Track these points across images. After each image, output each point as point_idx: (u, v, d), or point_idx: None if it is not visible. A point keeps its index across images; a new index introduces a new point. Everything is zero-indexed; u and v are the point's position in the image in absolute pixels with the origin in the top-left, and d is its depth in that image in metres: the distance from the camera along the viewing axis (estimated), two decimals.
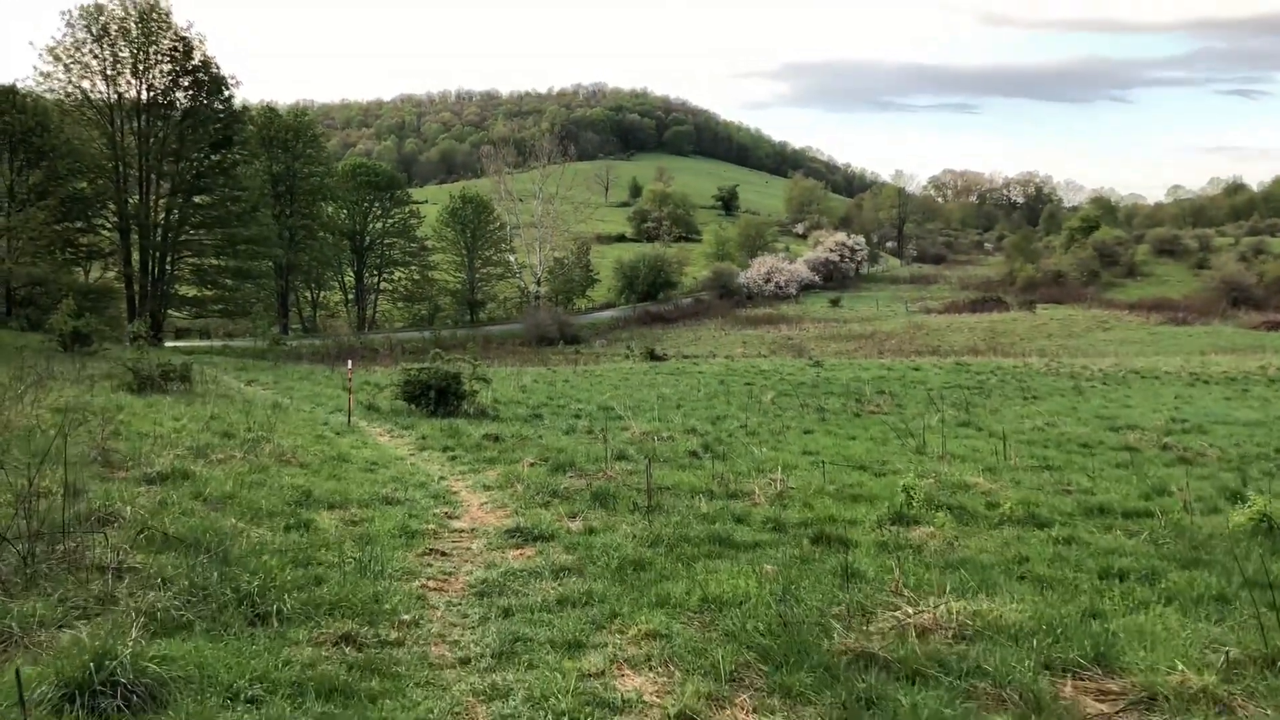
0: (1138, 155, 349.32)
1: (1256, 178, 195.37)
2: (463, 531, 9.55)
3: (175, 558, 6.92)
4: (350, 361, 22.08)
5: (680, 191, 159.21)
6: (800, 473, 13.01)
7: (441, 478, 12.99)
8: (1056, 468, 13.98)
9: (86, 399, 17.00)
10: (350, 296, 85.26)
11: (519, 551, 8.68)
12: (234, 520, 8.52)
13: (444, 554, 8.57)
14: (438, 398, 20.93)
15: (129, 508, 8.16)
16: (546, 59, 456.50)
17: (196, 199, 53.12)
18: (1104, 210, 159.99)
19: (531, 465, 13.52)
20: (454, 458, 14.71)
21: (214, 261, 55.37)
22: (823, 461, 14.35)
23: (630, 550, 8.23)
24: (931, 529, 9.44)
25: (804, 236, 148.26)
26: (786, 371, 37.01)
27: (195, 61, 51.07)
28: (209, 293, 55.93)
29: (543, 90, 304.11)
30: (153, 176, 50.86)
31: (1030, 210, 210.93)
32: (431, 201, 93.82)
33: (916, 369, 37.43)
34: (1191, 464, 15.11)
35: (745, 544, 8.77)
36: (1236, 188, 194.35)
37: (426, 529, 9.35)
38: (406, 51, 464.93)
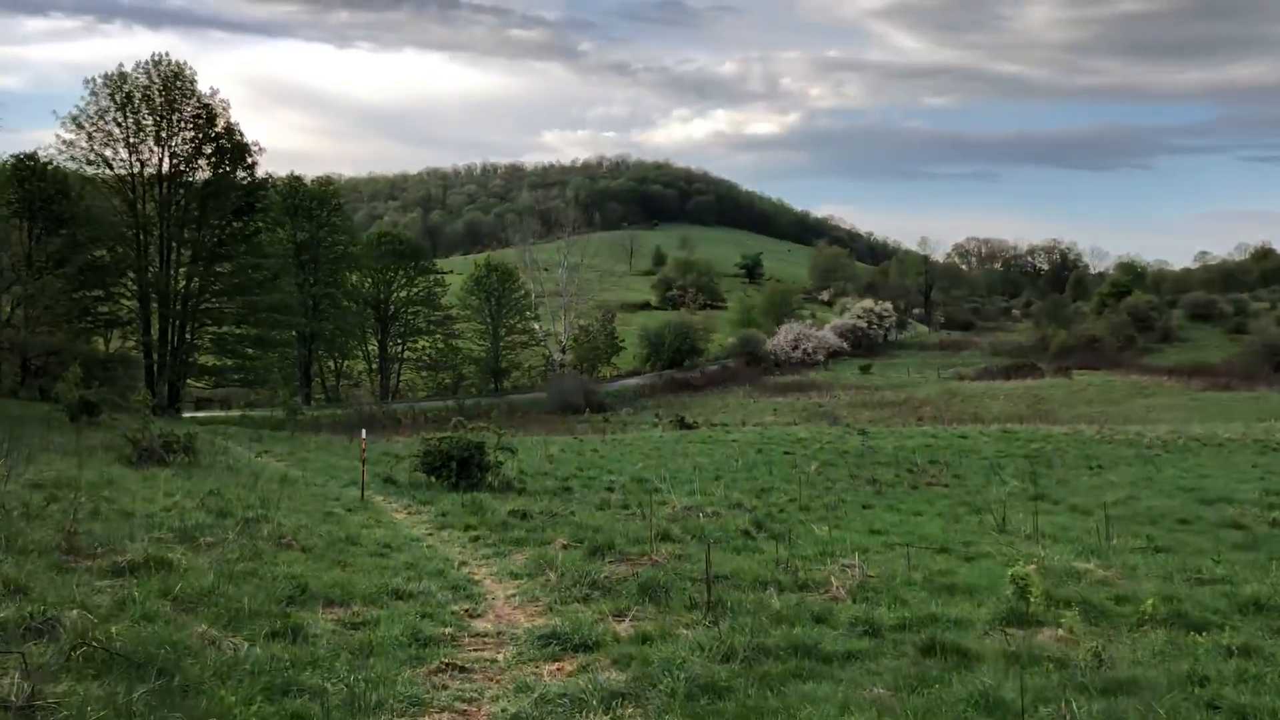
0: (1161, 222, 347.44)
1: None
2: (486, 636, 7.86)
3: (109, 685, 5.28)
4: (365, 431, 20.49)
5: (704, 259, 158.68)
6: (875, 557, 11.26)
7: (462, 563, 11.33)
8: (1167, 549, 12.15)
9: (74, 473, 15.50)
10: (374, 365, 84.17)
11: (557, 666, 6.98)
12: (205, 626, 6.90)
13: (463, 670, 6.87)
14: (459, 469, 19.32)
15: (75, 612, 6.55)
16: (569, 140, 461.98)
17: (218, 267, 52.22)
18: (1133, 275, 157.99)
19: (565, 547, 11.86)
20: (477, 538, 13.05)
21: (234, 330, 54.35)
22: (894, 543, 12.61)
23: (699, 668, 6.52)
24: (1060, 632, 7.70)
25: (830, 304, 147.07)
26: (826, 440, 35.20)
27: (218, 128, 50.58)
28: (229, 362, 54.79)
29: (566, 163, 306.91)
30: (173, 244, 50.06)
31: (1055, 277, 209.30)
32: (457, 271, 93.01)
33: (963, 436, 35.53)
34: None
35: (837, 655, 7.06)
36: (1266, 253, 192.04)
37: (443, 633, 7.67)
38: (432, 126, 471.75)
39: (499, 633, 7.93)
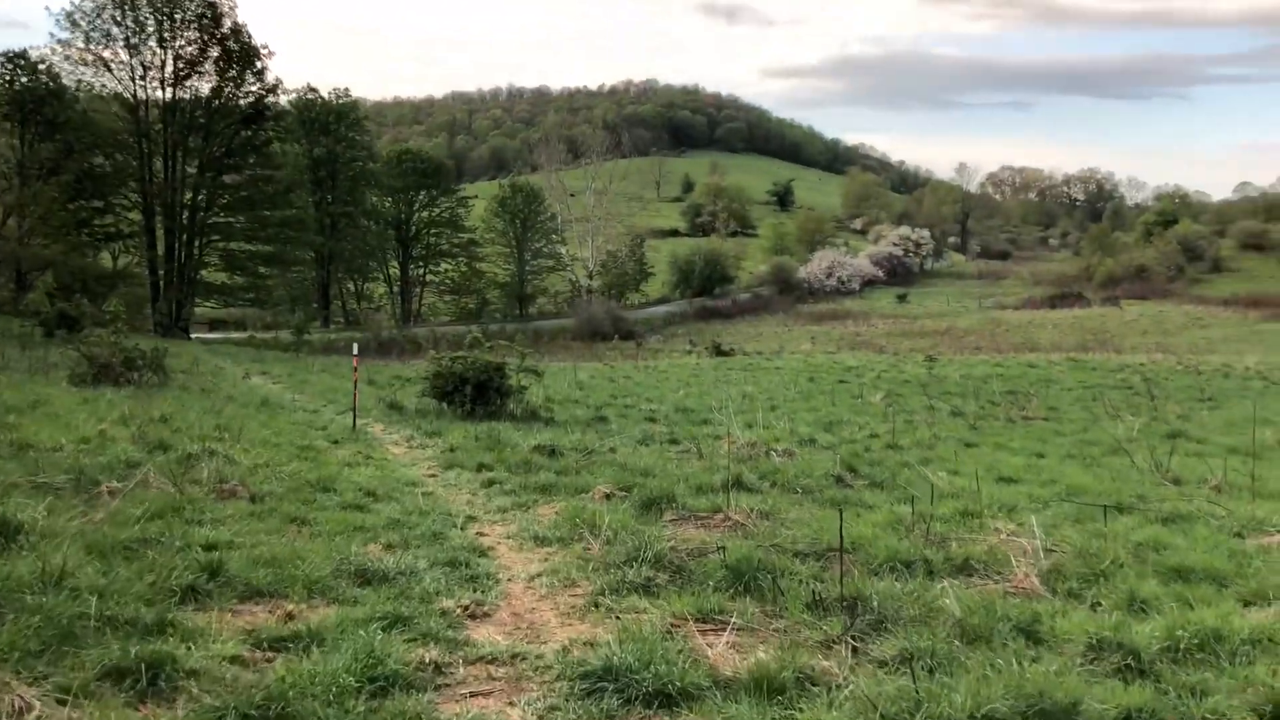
0: (1199, 153, 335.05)
1: None
2: (495, 662, 4.80)
3: None
4: (356, 346, 17.46)
5: (735, 185, 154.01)
6: (1029, 517, 8.07)
7: (470, 518, 8.30)
8: None
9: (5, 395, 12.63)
10: (394, 289, 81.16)
11: None
12: None
13: None
14: (475, 394, 16.28)
15: None
16: (596, 56, 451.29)
17: (226, 178, 49.05)
18: (1180, 203, 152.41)
19: (607, 498, 8.82)
20: (491, 482, 10.01)
21: (245, 246, 51.33)
22: (1041, 496, 9.49)
23: None
24: None
25: (863, 232, 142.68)
26: (881, 368, 32.01)
27: (225, 29, 47.06)
28: (239, 280, 51.85)
29: (593, 87, 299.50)
30: (178, 153, 46.85)
31: (1091, 208, 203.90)
32: (481, 197, 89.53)
33: (1033, 366, 32.23)
34: None
35: None
36: None
37: (421, 660, 4.62)
38: (459, 45, 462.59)
39: (515, 655, 4.87)
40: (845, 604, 5.40)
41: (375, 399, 18.84)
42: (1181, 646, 4.85)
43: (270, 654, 4.62)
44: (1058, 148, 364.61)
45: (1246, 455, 12.73)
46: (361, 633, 4.79)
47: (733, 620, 5.24)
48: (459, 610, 5.52)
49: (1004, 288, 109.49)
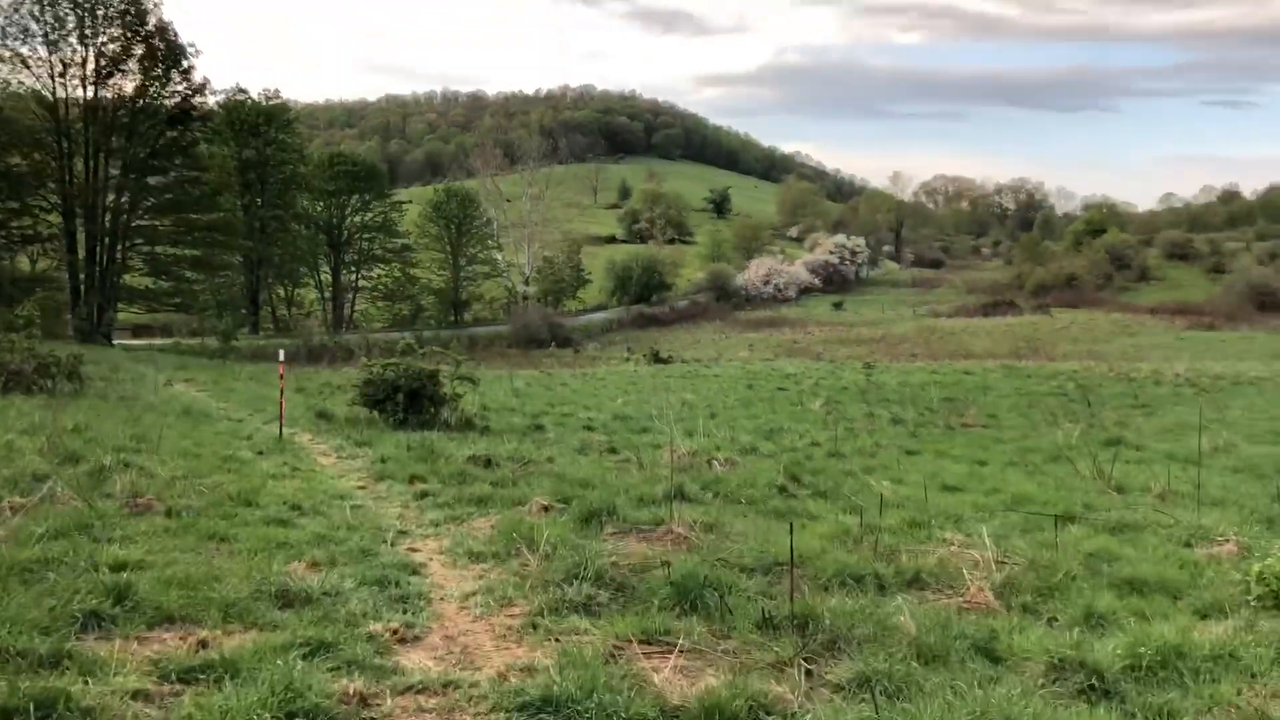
0: (1125, 165, 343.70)
1: (1246, 187, 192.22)
2: (425, 692, 4.46)
3: None
4: (282, 353, 16.86)
5: (673, 192, 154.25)
6: (976, 526, 7.91)
7: (402, 533, 7.93)
8: None
9: None
10: (326, 294, 79.70)
11: None
12: None
13: None
14: (408, 403, 15.84)
15: None
16: (533, 61, 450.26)
17: (151, 180, 47.71)
18: (1108, 214, 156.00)
19: (545, 510, 8.49)
20: (425, 494, 9.63)
21: (171, 250, 49.97)
22: (986, 505, 9.39)
23: None
24: None
25: (799, 240, 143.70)
26: (819, 375, 32.05)
27: (150, 27, 45.80)
28: (165, 284, 50.46)
29: (530, 92, 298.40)
30: (100, 153, 45.45)
31: (1022, 217, 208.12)
32: (416, 202, 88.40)
33: (969, 373, 32.51)
34: None
35: None
36: (1232, 195, 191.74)
37: (344, 690, 4.26)
38: (393, 48, 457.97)
39: (448, 683, 4.54)
40: (796, 623, 5.15)
41: (304, 407, 18.29)
42: (1144, 665, 4.67)
43: (179, 687, 4.24)
44: (989, 158, 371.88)
45: (1185, 462, 12.78)
46: (280, 662, 4.41)
47: (680, 642, 4.96)
48: (388, 634, 5.17)
49: (938, 296, 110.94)
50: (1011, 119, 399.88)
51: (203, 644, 4.74)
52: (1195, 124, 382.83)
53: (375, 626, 5.25)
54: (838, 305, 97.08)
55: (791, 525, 6.29)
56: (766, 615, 5.34)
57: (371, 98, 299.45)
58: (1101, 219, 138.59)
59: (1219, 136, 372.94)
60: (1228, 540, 7.39)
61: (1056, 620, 5.55)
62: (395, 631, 5.22)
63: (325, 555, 6.77)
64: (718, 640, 5.11)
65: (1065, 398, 24.35)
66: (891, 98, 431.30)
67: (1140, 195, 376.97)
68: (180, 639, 4.86)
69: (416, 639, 5.21)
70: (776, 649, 4.88)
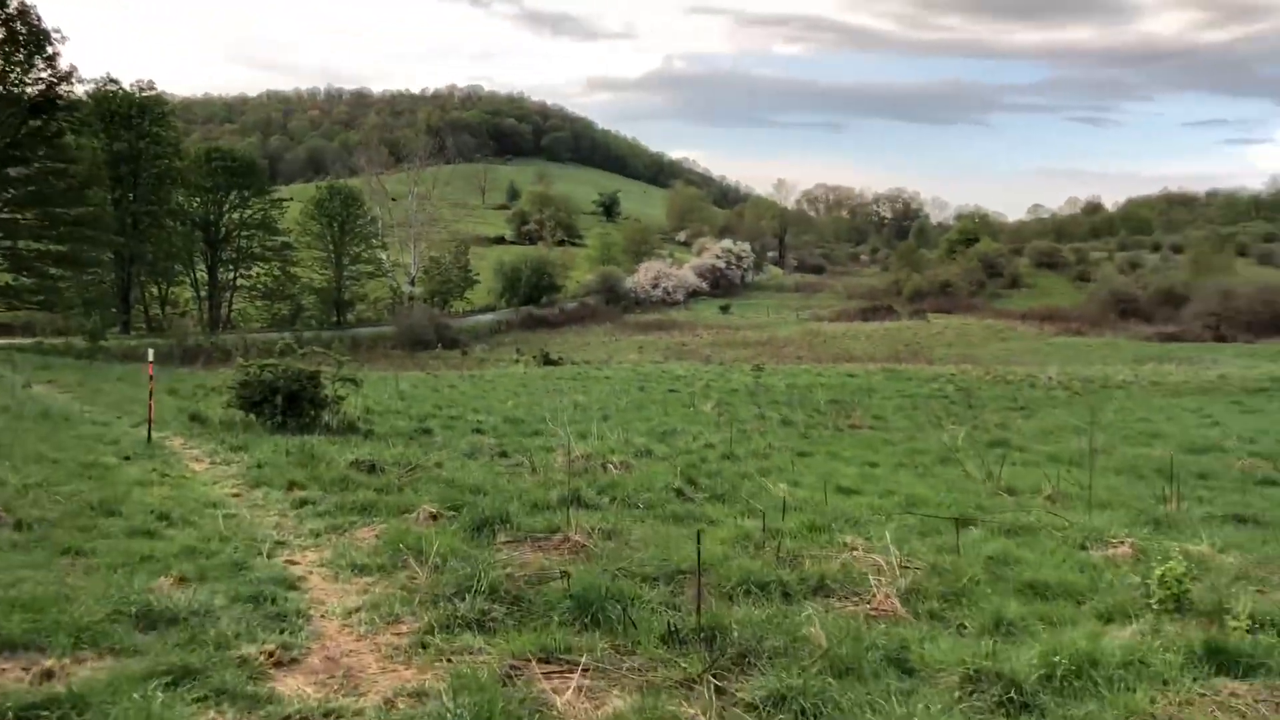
0: (996, 176, 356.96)
1: (1108, 199, 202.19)
2: None
3: None
4: (151, 352, 15.97)
5: (562, 195, 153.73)
6: (876, 530, 7.84)
7: (279, 544, 7.43)
8: (1250, 518, 9.20)
9: None
10: (202, 293, 76.75)
11: None
12: None
13: None
14: (287, 405, 15.15)
15: None
16: (419, 61, 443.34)
17: (11, 171, 45.17)
18: (980, 223, 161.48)
19: (434, 518, 8.10)
20: (304, 502, 9.11)
21: (34, 245, 47.38)
22: (882, 507, 9.33)
23: None
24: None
25: (687, 244, 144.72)
26: (709, 377, 32.12)
27: (10, 9, 43.38)
28: (27, 281, 47.81)
29: (416, 91, 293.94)
30: None
31: (899, 225, 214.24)
32: (297, 199, 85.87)
33: (852, 375, 33.02)
34: None
35: None
36: (1095, 207, 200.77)
37: None
38: (275, 44, 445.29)
39: (329, 712, 4.15)
40: (704, 635, 4.91)
41: (176, 410, 17.41)
42: (1059, 674, 4.56)
43: None
44: (868, 168, 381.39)
45: (1068, 464, 13.05)
46: (138, 694, 3.97)
47: (582, 660, 4.65)
48: (262, 657, 4.74)
49: (820, 300, 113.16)
50: (889, 130, 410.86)
51: (48, 674, 4.25)
52: (1061, 139, 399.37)
53: (248, 649, 4.81)
54: (725, 309, 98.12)
55: (699, 534, 6.06)
56: (672, 628, 5.08)
57: (252, 92, 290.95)
58: (974, 228, 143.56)
59: (1083, 151, 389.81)
60: (1122, 542, 7.45)
61: (965, 628, 5.44)
62: (271, 654, 4.79)
63: (194, 569, 6.26)
64: (622, 657, 4.83)
65: (947, 400, 24.88)
66: (776, 107, 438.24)
67: (1010, 206, 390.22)
68: (23, 669, 4.35)
69: (294, 662, 4.80)
70: (684, 665, 4.63)
